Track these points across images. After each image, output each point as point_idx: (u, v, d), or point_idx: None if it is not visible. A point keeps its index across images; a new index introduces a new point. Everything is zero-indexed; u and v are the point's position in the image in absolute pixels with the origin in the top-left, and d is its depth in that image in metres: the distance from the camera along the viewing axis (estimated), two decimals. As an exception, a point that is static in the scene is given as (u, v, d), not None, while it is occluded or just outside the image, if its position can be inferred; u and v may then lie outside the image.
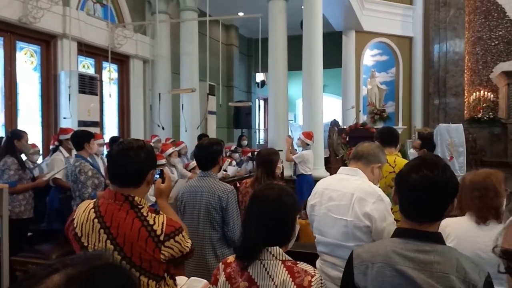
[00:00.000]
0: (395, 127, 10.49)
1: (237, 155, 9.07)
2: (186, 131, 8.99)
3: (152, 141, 7.93)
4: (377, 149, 2.81)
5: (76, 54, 7.88)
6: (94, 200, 2.06)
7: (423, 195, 1.64)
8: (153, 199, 2.12)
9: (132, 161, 1.94)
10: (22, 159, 5.09)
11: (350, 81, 14.03)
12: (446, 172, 1.66)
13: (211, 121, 11.50)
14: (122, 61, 9.58)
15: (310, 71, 9.26)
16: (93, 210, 1.96)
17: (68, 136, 5.47)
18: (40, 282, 0.78)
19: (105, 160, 5.99)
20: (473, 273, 1.54)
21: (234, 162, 8.59)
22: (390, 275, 1.61)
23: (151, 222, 1.89)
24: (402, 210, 1.73)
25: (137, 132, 9.67)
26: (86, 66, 8.61)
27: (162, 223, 1.91)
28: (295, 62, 10.47)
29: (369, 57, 14.59)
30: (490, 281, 1.56)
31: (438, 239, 1.66)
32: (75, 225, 1.97)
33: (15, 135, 5.10)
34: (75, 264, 0.83)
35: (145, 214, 1.92)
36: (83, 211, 1.98)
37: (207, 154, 3.22)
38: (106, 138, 7.35)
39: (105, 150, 6.50)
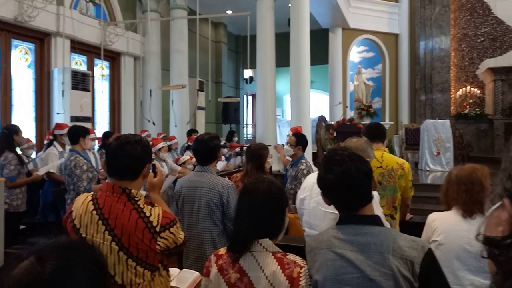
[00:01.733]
0: (382, 122, 10.59)
1: (225, 150, 9.15)
2: (176, 126, 9.04)
3: (142, 136, 7.95)
4: (365, 145, 2.86)
5: (69, 52, 8.00)
6: (92, 192, 2.10)
7: (344, 190, 1.70)
8: (142, 192, 2.12)
9: (130, 155, 1.99)
10: (19, 154, 5.13)
11: (337, 78, 14.11)
12: (354, 160, 1.71)
13: (200, 117, 11.51)
14: (113, 58, 9.66)
15: (298, 67, 9.33)
16: (91, 202, 2.00)
17: (63, 131, 5.54)
18: (14, 268, 0.86)
19: (97, 154, 6.05)
20: (410, 250, 1.60)
21: (223, 157, 8.66)
22: (332, 258, 1.68)
23: (148, 214, 1.95)
24: (334, 205, 1.79)
25: (128, 127, 9.74)
26: (79, 63, 8.70)
27: (158, 214, 1.96)
28: (282, 58, 10.53)
29: (356, 53, 14.66)
30: (431, 254, 1.62)
31: (374, 221, 1.71)
32: (73, 217, 2.01)
33: (14, 131, 5.14)
34: (44, 246, 0.90)
35: (141, 206, 1.97)
36: (81, 203, 2.03)
37: (208, 149, 3.16)
38: (98, 133, 7.40)
39: (96, 145, 6.54)
